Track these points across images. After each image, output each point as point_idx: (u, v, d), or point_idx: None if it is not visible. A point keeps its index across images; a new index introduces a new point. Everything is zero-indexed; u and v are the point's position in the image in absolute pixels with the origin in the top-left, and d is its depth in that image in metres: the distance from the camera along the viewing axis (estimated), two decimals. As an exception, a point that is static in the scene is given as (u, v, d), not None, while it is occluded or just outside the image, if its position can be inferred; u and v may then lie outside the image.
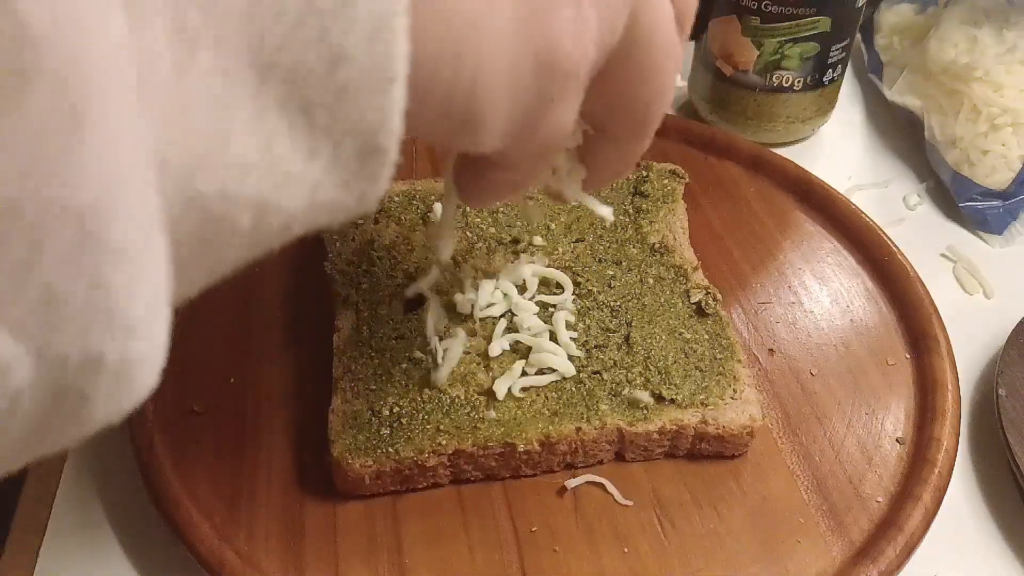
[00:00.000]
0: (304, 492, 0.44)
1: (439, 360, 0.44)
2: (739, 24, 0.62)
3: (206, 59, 0.19)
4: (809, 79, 0.64)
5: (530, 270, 0.49)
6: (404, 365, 0.45)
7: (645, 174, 0.57)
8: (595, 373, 0.45)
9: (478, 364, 0.45)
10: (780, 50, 0.62)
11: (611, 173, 0.36)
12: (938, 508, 0.43)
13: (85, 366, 0.18)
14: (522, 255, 0.51)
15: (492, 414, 0.43)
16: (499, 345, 0.46)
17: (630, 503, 0.44)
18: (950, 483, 0.44)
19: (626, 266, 0.51)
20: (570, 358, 0.45)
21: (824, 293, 0.54)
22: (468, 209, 0.54)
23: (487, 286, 0.48)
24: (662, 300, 0.49)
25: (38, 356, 0.17)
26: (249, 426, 0.46)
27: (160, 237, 0.19)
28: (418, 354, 0.45)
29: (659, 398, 0.45)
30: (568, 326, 0.47)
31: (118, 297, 0.18)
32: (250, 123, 0.20)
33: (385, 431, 0.43)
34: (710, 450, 0.45)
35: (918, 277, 0.53)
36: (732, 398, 0.45)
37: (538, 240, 0.52)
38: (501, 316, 0.48)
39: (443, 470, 0.43)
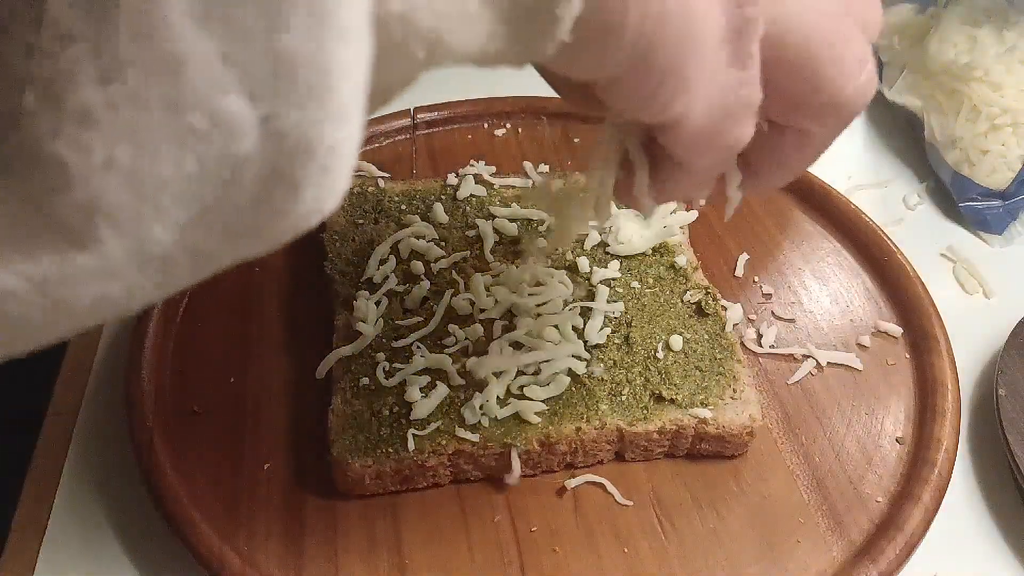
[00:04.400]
0: (304, 492, 0.44)
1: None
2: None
3: None
4: (809, 79, 0.63)
5: (530, 270, 0.49)
6: (403, 367, 0.45)
7: (645, 174, 0.56)
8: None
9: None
10: (780, 50, 0.62)
11: (794, 166, 0.34)
12: (938, 508, 0.43)
13: (299, 148, 0.20)
14: (522, 255, 0.51)
15: (493, 413, 0.43)
16: (499, 345, 0.46)
17: (630, 503, 0.44)
18: (950, 483, 0.44)
19: (626, 266, 0.51)
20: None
21: (824, 293, 0.54)
22: (468, 210, 0.54)
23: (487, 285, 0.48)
24: (662, 300, 0.49)
25: (263, 125, 0.19)
26: (249, 426, 0.46)
27: (369, 33, 0.20)
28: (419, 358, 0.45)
29: (659, 398, 0.45)
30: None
31: (337, 75, 0.19)
32: None
33: (385, 431, 0.43)
34: (710, 450, 0.45)
35: (918, 277, 0.53)
36: (732, 398, 0.45)
37: (540, 242, 0.52)
38: (501, 316, 0.48)
39: (443, 470, 0.43)
